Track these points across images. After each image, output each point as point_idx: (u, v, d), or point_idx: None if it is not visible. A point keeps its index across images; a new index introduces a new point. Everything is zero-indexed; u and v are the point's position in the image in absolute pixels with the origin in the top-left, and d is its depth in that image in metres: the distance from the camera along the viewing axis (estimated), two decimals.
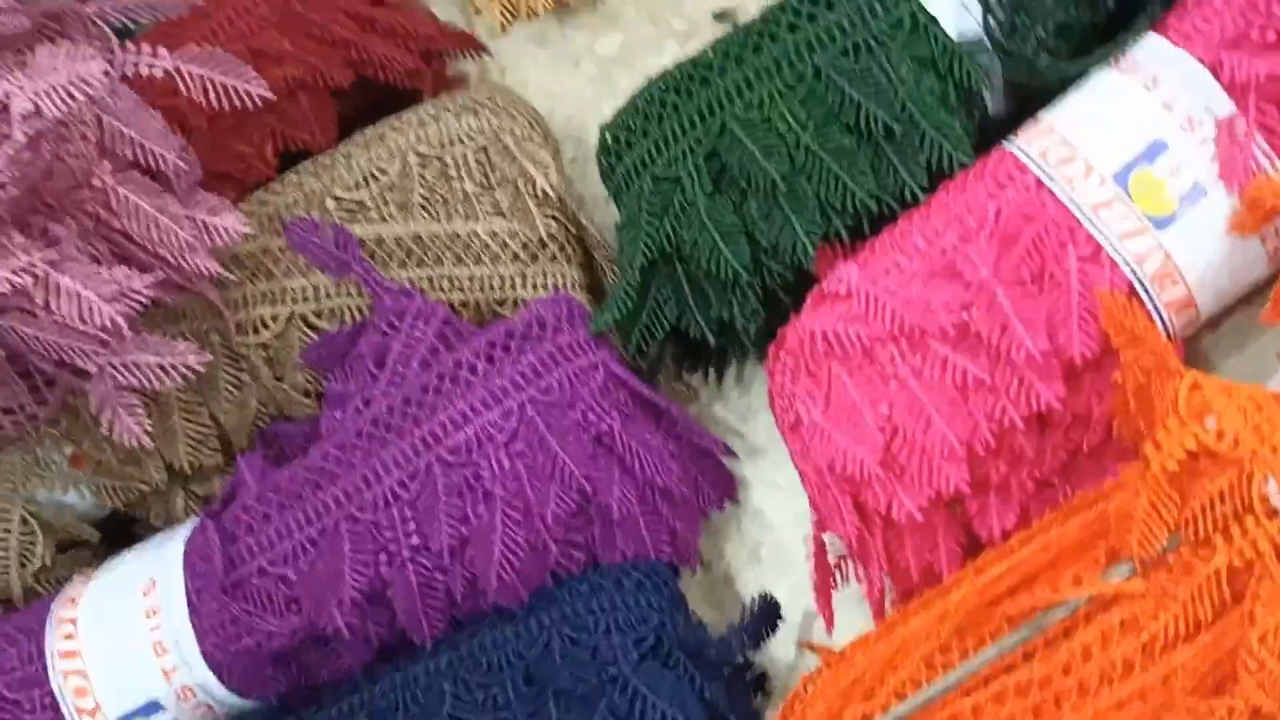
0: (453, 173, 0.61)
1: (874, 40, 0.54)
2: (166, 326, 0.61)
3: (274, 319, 0.61)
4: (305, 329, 0.61)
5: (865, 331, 0.51)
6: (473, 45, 0.69)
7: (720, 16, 0.68)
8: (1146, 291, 0.49)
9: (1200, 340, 0.55)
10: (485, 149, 0.61)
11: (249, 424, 0.62)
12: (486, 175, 0.61)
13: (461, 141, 0.61)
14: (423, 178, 0.61)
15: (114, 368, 0.55)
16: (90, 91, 0.48)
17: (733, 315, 0.56)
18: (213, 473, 0.64)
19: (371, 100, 0.66)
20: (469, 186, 0.61)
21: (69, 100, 0.49)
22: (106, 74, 0.49)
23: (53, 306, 0.53)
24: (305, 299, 0.61)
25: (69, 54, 0.49)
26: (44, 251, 0.53)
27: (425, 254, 0.61)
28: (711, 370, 0.62)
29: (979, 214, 0.51)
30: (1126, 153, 0.50)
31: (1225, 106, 0.50)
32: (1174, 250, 0.49)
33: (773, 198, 0.54)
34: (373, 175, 0.61)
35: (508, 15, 0.70)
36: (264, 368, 0.61)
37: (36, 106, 0.49)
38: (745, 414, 0.62)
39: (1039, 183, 0.51)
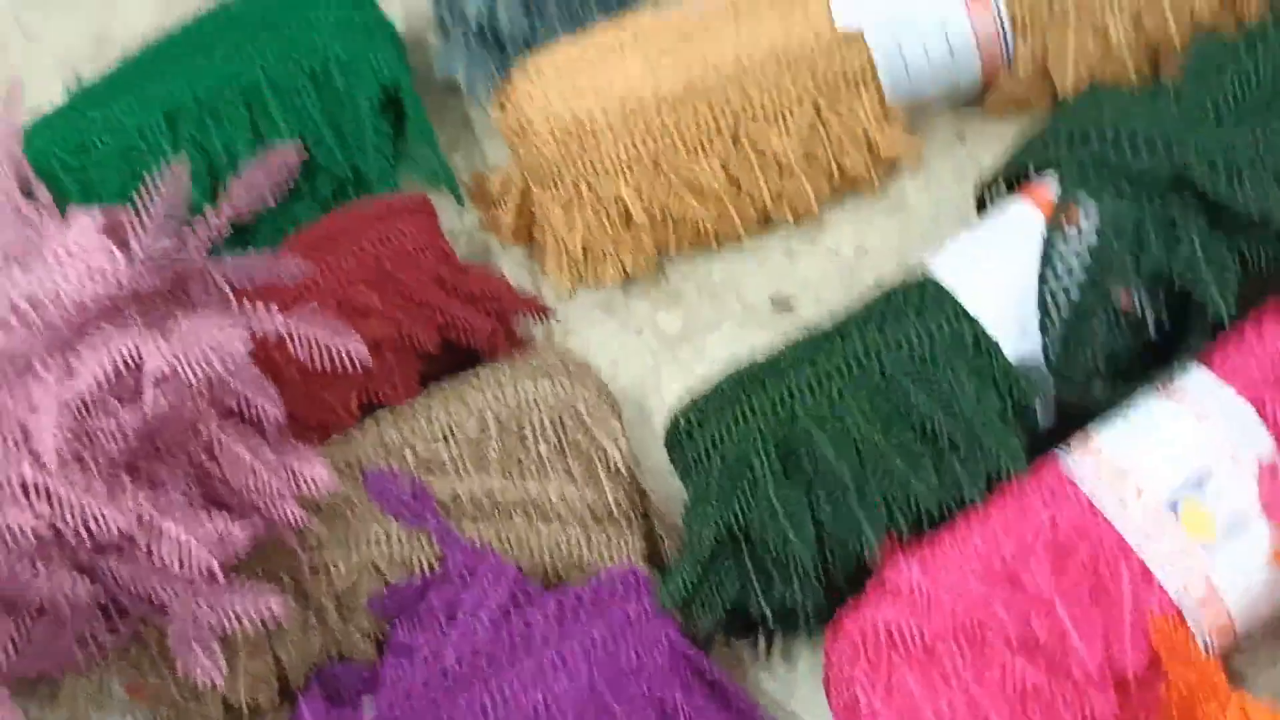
0: (528, 435, 0.64)
1: (939, 353, 0.59)
2: (241, 564, 0.62)
3: (346, 564, 0.63)
4: (376, 575, 0.63)
5: (927, 629, 0.54)
6: (544, 311, 0.72)
7: (777, 303, 0.73)
8: (1191, 613, 0.53)
9: (1233, 657, 0.58)
10: (560, 415, 0.64)
11: (310, 664, 0.63)
12: (560, 440, 0.64)
13: (537, 407, 0.64)
14: (499, 440, 0.64)
15: (199, 608, 0.57)
16: (230, 363, 0.51)
17: (794, 597, 0.59)
18: (266, 709, 0.65)
19: (448, 357, 0.69)
20: (543, 450, 0.64)
21: (206, 367, 0.52)
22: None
23: (154, 550, 0.55)
24: (378, 546, 0.63)
25: (211, 323, 0.52)
26: (150, 496, 0.55)
27: (497, 510, 0.63)
28: (761, 641, 0.65)
29: (1034, 525, 0.55)
30: (1176, 480, 0.54)
31: (1267, 445, 0.54)
32: (1218, 576, 0.53)
33: (840, 492, 0.58)
34: (450, 432, 0.64)
35: (574, 282, 0.75)
36: (332, 611, 0.63)
37: (173, 370, 0.52)
38: (790, 686, 0.64)
39: (1091, 504, 0.54)
